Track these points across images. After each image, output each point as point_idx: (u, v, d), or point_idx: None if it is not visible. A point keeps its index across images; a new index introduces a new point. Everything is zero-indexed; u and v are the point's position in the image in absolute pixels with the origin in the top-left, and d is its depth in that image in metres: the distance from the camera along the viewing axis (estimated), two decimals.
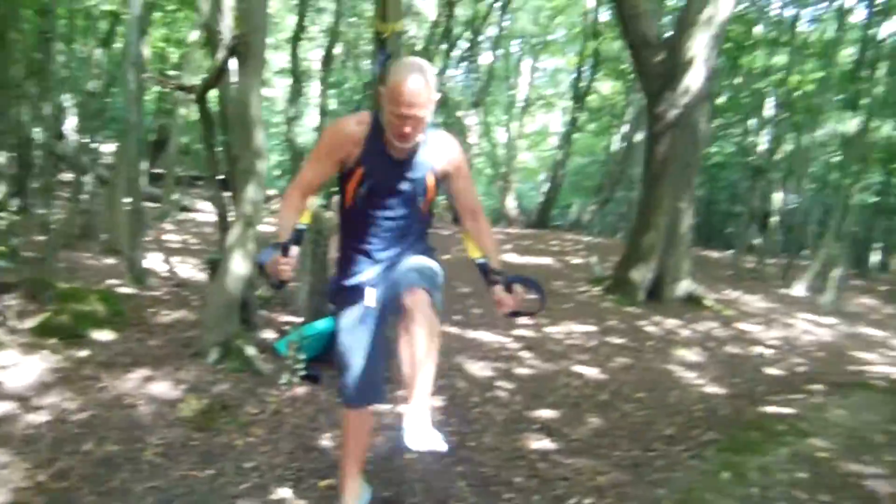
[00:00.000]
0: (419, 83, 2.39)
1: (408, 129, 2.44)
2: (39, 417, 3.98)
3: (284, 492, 3.49)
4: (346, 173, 2.67)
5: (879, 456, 4.16)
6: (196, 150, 22.47)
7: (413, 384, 2.41)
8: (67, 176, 13.94)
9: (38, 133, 11.89)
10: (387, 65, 4.73)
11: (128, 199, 9.42)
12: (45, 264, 7.12)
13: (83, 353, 5.01)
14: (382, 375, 3.00)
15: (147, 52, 11.39)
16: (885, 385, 6.26)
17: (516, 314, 2.83)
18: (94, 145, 13.47)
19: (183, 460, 3.71)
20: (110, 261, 8.75)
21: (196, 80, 17.04)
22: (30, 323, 5.36)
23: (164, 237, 11.63)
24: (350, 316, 2.85)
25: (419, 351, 2.42)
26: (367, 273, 2.80)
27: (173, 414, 4.23)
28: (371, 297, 2.79)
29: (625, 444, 4.44)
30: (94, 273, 7.80)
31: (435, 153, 2.68)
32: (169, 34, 18.10)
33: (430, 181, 2.70)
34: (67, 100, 13.07)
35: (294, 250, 2.56)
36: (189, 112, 16.86)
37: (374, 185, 2.65)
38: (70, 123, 12.68)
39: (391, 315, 2.83)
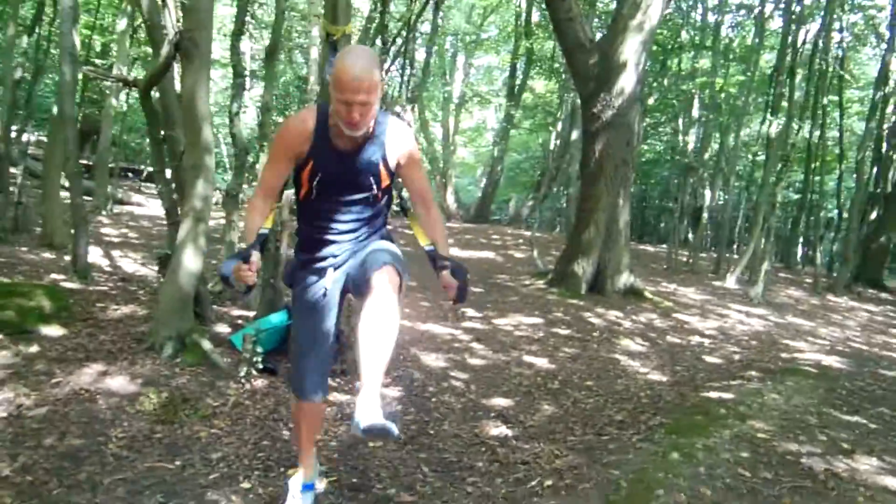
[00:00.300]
0: (364, 68, 2.38)
1: (356, 115, 2.42)
2: None
3: (253, 481, 3.53)
4: (299, 167, 2.67)
5: (814, 436, 4.46)
6: (125, 141, 21.90)
7: (369, 367, 2.37)
8: None
9: None
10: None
11: (65, 192, 9.18)
12: None
13: (33, 349, 4.89)
14: (329, 368, 3.04)
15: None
16: (815, 371, 6.66)
17: (460, 291, 2.82)
18: (21, 137, 13.01)
19: (148, 452, 3.70)
20: (48, 255, 8.51)
21: (135, 73, 16.65)
22: None
23: (101, 231, 11.32)
24: (305, 301, 2.87)
25: (379, 332, 2.38)
26: (327, 256, 2.82)
27: (133, 408, 4.20)
28: (330, 279, 2.82)
29: (578, 430, 4.63)
30: (33, 267, 7.57)
31: (386, 141, 2.67)
32: (92, 21, 17.54)
33: (383, 170, 2.69)
34: None
35: (255, 255, 2.58)
36: (120, 103, 16.44)
37: (325, 177, 2.66)
38: None
39: (353, 297, 2.89)
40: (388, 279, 2.46)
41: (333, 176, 2.65)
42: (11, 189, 9.94)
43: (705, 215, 17.41)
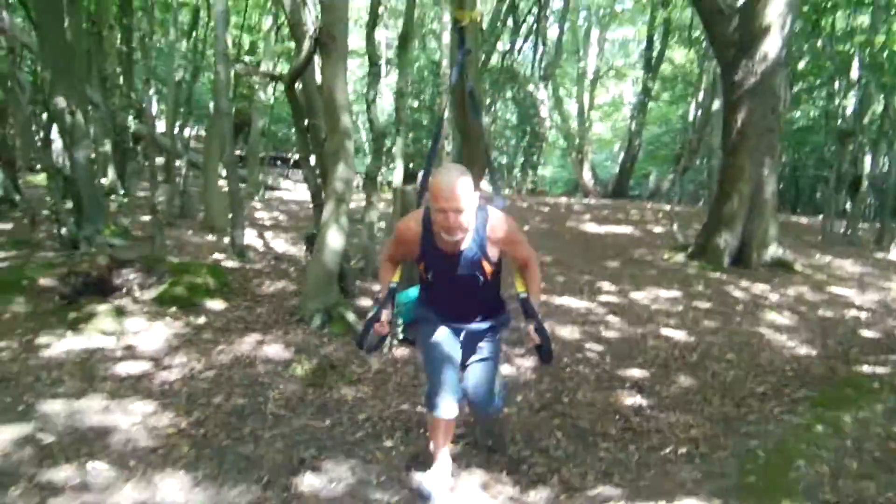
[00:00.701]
0: (455, 181, 2.73)
1: (452, 222, 2.77)
2: (172, 375, 4.41)
3: (395, 440, 3.78)
4: (417, 258, 3.09)
5: None
6: (274, 132, 23.27)
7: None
8: (159, 160, 14.76)
9: (131, 122, 12.65)
10: (465, 61, 4.83)
11: (223, 181, 9.97)
12: (156, 241, 7.64)
13: (200, 320, 5.44)
14: (459, 385, 3.24)
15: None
16: None
17: (538, 351, 3.13)
18: (183, 132, 14.20)
19: (302, 412, 4.05)
20: (210, 237, 9.30)
21: (280, 68, 17.66)
22: (150, 294, 5.83)
23: (255, 215, 12.18)
24: (432, 328, 3.21)
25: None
26: (447, 321, 3.21)
27: (288, 372, 4.60)
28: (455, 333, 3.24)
29: (716, 401, 4.55)
30: (197, 249, 8.33)
31: (485, 236, 2.97)
32: (241, 21, 18.72)
33: (485, 264, 3.02)
34: (154, 89, 13.76)
35: (385, 314, 3.09)
36: (268, 96, 17.49)
37: (436, 273, 3.08)
38: (155, 111, 13.38)
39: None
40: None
41: (443, 272, 3.05)
42: (177, 179, 10.92)
43: (865, 183, 16.10)
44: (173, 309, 5.57)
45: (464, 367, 3.27)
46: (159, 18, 18.02)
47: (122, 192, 10.59)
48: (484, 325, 3.23)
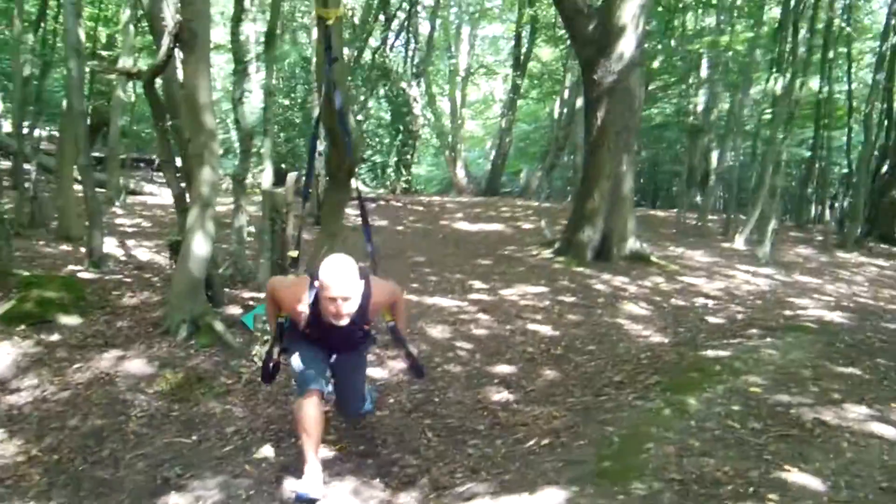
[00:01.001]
0: (343, 275, 3.04)
1: (340, 310, 3.07)
2: (21, 399, 4.15)
3: (266, 451, 3.75)
4: (295, 318, 3.35)
5: (806, 388, 4.59)
6: (136, 132, 22.13)
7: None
8: (4, 164, 13.73)
9: None
10: (333, 71, 4.92)
11: (79, 186, 9.40)
12: (2, 253, 7.10)
13: (54, 338, 5.13)
14: (326, 380, 3.52)
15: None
16: (816, 327, 6.75)
17: (411, 369, 3.74)
18: (32, 132, 13.23)
19: (166, 429, 3.93)
20: (64, 247, 8.75)
21: (141, 63, 16.80)
22: None
23: (116, 221, 11.57)
24: (305, 345, 3.43)
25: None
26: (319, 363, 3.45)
27: (151, 388, 4.43)
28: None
29: (577, 392, 4.81)
30: (50, 260, 7.82)
31: (365, 311, 3.27)
32: (96, 12, 17.71)
33: (366, 327, 3.40)
34: None
35: (276, 351, 3.49)
36: (128, 94, 16.61)
37: (319, 338, 3.36)
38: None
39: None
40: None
41: (325, 338, 3.35)
42: (26, 184, 10.19)
43: (712, 177, 17.37)
44: (22, 327, 5.21)
45: (334, 378, 3.58)
46: (2, 7, 16.67)
47: None
48: (353, 351, 3.58)
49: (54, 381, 4.42)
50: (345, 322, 3.13)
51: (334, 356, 3.51)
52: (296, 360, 3.40)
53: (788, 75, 13.05)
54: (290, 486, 3.32)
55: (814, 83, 17.62)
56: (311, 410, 3.24)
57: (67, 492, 3.21)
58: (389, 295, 3.43)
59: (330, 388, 3.68)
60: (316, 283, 3.14)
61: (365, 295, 3.22)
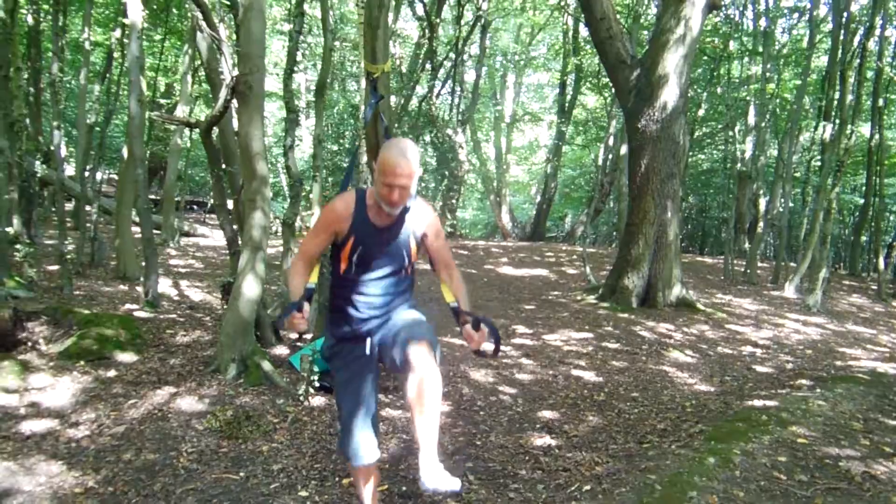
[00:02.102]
0: (403, 158, 2.78)
1: (395, 196, 2.81)
2: (79, 432, 4.31)
3: (310, 489, 3.82)
4: (340, 244, 2.99)
5: (856, 440, 4.50)
6: (190, 175, 22.91)
7: (425, 434, 2.65)
8: (67, 206, 14.30)
9: (38, 166, 12.26)
10: (377, 106, 5.02)
11: (136, 228, 9.78)
12: (64, 292, 7.43)
13: (111, 374, 5.33)
14: (377, 430, 3.16)
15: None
16: (868, 378, 6.58)
17: (480, 352, 3.06)
18: (94, 176, 13.83)
19: (215, 465, 4.04)
20: (122, 287, 9.08)
21: (197, 111, 17.48)
22: (57, 348, 5.68)
23: (170, 262, 11.94)
24: (346, 371, 3.09)
25: (428, 405, 2.65)
26: (363, 327, 3.06)
27: (202, 425, 4.56)
28: (368, 346, 3.06)
29: (620, 439, 4.78)
30: (108, 299, 8.12)
31: (415, 221, 3.03)
32: (156, 63, 18.54)
33: (413, 245, 3.04)
34: (62, 133, 13.40)
35: (305, 306, 2.85)
36: (184, 140, 17.28)
37: (364, 252, 2.97)
38: (63, 154, 13.00)
39: (390, 369, 3.17)
40: (426, 352, 2.72)
41: (372, 248, 2.98)
42: (87, 226, 10.64)
43: (761, 224, 17.15)
44: (81, 363, 5.44)
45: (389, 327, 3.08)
46: (70, 59, 17.61)
47: (27, 240, 10.24)
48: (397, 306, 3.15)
49: (110, 415, 4.59)
50: (397, 209, 2.86)
51: (378, 337, 3.06)
52: (340, 402, 3.12)
53: (837, 122, 12.92)
54: None
55: (865, 130, 17.40)
56: (364, 478, 3.17)
57: None
58: (437, 222, 3.13)
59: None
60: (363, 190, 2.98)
61: (411, 205, 2.99)
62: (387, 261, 3.01)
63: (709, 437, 4.49)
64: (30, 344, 5.67)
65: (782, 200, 17.15)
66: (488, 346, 3.05)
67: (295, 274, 3.04)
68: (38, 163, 12.83)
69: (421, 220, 3.05)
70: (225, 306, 6.53)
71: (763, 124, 17.68)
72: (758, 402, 5.43)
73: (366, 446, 3.02)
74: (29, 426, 4.34)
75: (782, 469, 3.86)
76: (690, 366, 7.04)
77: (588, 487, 3.86)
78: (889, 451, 4.26)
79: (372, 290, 3.03)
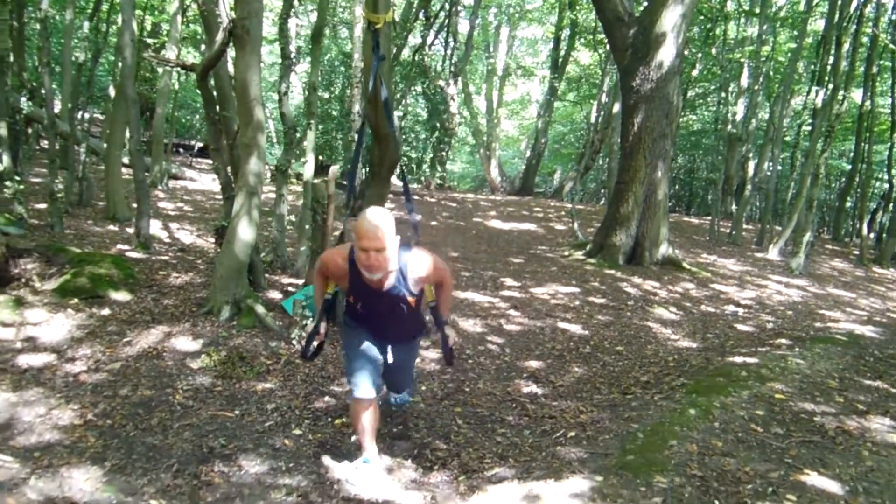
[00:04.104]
0: (376, 224, 3.00)
1: (372, 260, 3.03)
2: (76, 367, 4.39)
3: (304, 428, 3.94)
4: (346, 290, 3.39)
5: (831, 397, 4.66)
6: (178, 118, 22.59)
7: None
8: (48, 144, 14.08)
9: (24, 103, 12.06)
10: (380, 68, 5.00)
11: (126, 169, 9.71)
12: (54, 230, 7.42)
13: (105, 312, 5.39)
14: (378, 377, 3.53)
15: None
16: (846, 339, 6.76)
17: (444, 353, 3.59)
18: (83, 116, 13.64)
19: (210, 403, 4.14)
20: (111, 227, 9.07)
21: (185, 53, 17.17)
22: (50, 285, 5.71)
23: (159, 205, 11.90)
24: (359, 340, 3.47)
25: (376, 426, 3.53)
26: (378, 335, 3.52)
27: (196, 364, 4.65)
28: (388, 353, 3.57)
29: (605, 389, 4.93)
30: (99, 239, 8.12)
31: (408, 274, 3.28)
32: (145, 1, 18.12)
33: (409, 297, 3.33)
34: (49, 71, 13.16)
35: (323, 327, 3.46)
36: (172, 81, 17.01)
37: (365, 304, 3.36)
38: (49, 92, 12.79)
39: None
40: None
41: (371, 302, 3.35)
42: (76, 165, 10.55)
43: (749, 187, 17.28)
44: (75, 300, 5.49)
45: (385, 364, 3.57)
46: None
47: (16, 178, 10.15)
48: (406, 340, 3.63)
49: (106, 352, 4.67)
50: (377, 276, 3.11)
51: (391, 349, 3.56)
52: (351, 359, 3.47)
53: (830, 88, 12.94)
54: (338, 466, 3.51)
55: (857, 95, 17.42)
56: (367, 414, 3.43)
57: (120, 455, 3.41)
58: (433, 267, 3.37)
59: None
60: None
61: (405, 261, 3.25)
62: (386, 311, 3.38)
63: (690, 391, 4.64)
64: (23, 280, 5.70)
65: (770, 164, 17.25)
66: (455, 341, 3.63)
67: (317, 285, 3.51)
68: (23, 99, 12.61)
69: (413, 274, 3.30)
70: (218, 249, 6.57)
71: (756, 87, 17.64)
72: (738, 359, 5.58)
73: (366, 382, 3.39)
74: (26, 360, 4.41)
75: (759, 422, 4.01)
76: (674, 322, 7.19)
77: (573, 434, 4.00)
78: (862, 409, 4.42)
79: (379, 324, 3.46)
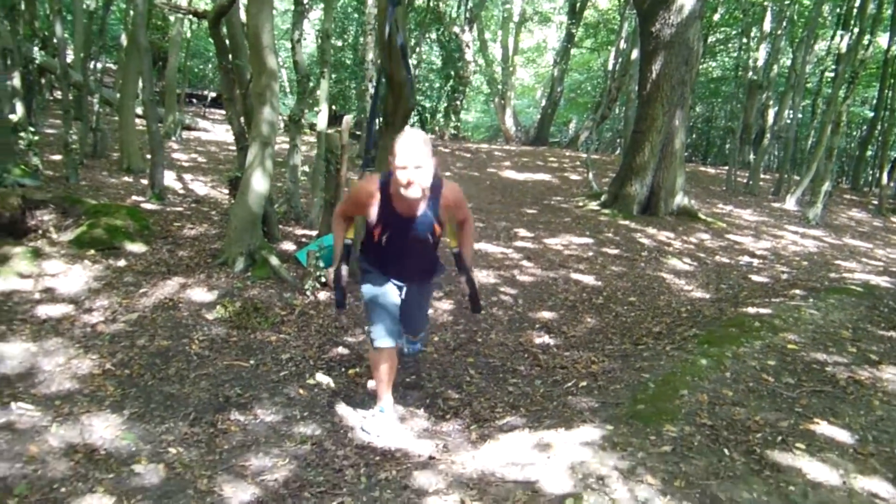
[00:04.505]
0: (415, 142, 3.02)
1: (410, 179, 3.01)
2: (93, 318, 4.46)
3: (319, 378, 4.00)
4: (370, 223, 3.32)
5: (843, 347, 4.65)
6: (189, 67, 22.41)
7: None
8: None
9: (37, 53, 12.00)
10: (396, 13, 4.93)
11: (139, 120, 9.69)
12: (70, 182, 7.46)
13: (121, 263, 5.45)
14: (397, 328, 3.55)
15: None
16: (861, 290, 6.72)
17: (469, 300, 3.60)
18: (95, 66, 13.56)
19: (226, 353, 4.20)
20: (126, 179, 9.11)
21: (196, 4, 16.94)
22: (66, 236, 5.76)
23: (173, 156, 11.91)
24: (378, 286, 3.48)
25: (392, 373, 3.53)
26: (395, 277, 3.52)
27: (211, 315, 4.71)
28: (402, 292, 3.56)
29: (617, 340, 4.95)
30: (114, 190, 8.17)
31: (437, 206, 3.27)
32: None
33: (436, 225, 3.31)
34: (61, 20, 13.05)
35: (344, 270, 3.47)
36: (184, 30, 16.85)
37: (392, 234, 3.33)
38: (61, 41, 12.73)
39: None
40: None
41: (398, 233, 3.32)
42: (90, 116, 10.54)
43: (768, 135, 16.98)
44: (92, 251, 5.54)
45: (401, 304, 3.55)
46: None
47: (31, 129, 10.16)
48: (423, 281, 3.63)
49: (123, 303, 4.73)
50: (415, 195, 3.08)
51: (405, 289, 3.56)
52: (370, 308, 3.49)
53: (855, 32, 12.59)
54: (353, 415, 3.59)
55: (882, 40, 16.95)
56: (386, 363, 3.47)
57: (139, 403, 3.49)
58: (460, 197, 3.37)
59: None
60: (388, 174, 3.18)
61: (436, 188, 3.23)
62: (413, 239, 3.33)
63: (702, 341, 4.64)
64: (40, 232, 5.75)
65: (791, 112, 16.92)
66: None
67: (336, 228, 3.50)
68: (36, 49, 12.55)
69: (444, 205, 3.28)
70: (232, 201, 6.59)
71: (779, 32, 17.18)
72: (751, 310, 5.57)
73: (386, 332, 3.43)
74: (45, 310, 4.48)
75: (770, 372, 4.02)
76: (688, 273, 7.17)
77: (584, 384, 4.03)
78: (874, 359, 4.41)
79: (401, 258, 3.44)
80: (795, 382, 3.88)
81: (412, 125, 5.58)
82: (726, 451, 3.00)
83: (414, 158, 2.99)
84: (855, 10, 13.26)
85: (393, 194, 3.17)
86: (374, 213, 3.27)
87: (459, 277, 3.52)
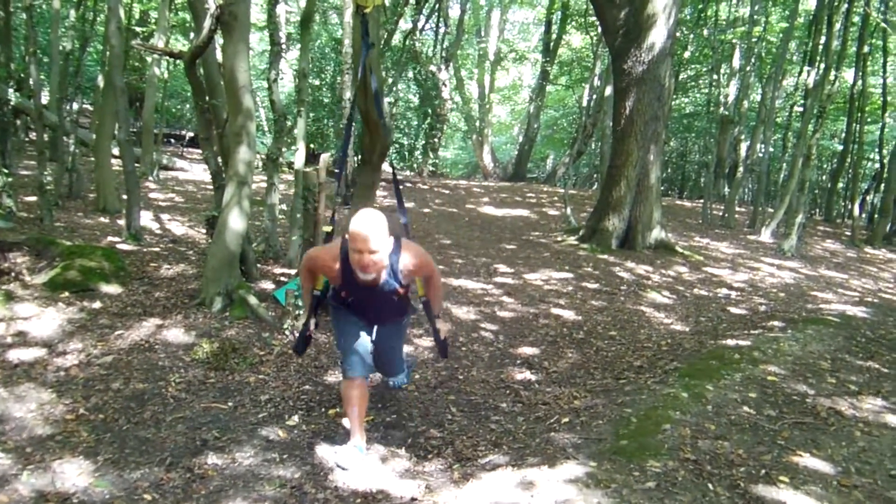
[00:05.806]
0: (369, 227, 3.04)
1: (366, 262, 3.09)
2: (67, 361, 4.37)
3: (298, 418, 3.93)
4: (335, 284, 3.43)
5: (823, 378, 4.68)
6: (167, 107, 22.43)
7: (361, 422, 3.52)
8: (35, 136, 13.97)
9: (11, 94, 11.95)
10: (369, 56, 5.01)
11: (115, 160, 9.64)
12: (44, 223, 7.36)
13: (96, 305, 5.36)
14: (367, 360, 3.58)
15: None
16: (838, 320, 6.78)
17: (437, 347, 3.80)
18: (71, 106, 13.52)
19: (203, 395, 4.13)
20: (102, 219, 9.02)
21: (174, 41, 17.02)
22: (40, 278, 5.67)
23: (150, 196, 11.83)
24: (347, 324, 3.56)
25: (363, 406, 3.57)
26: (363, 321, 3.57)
27: (188, 356, 4.63)
28: (373, 333, 3.59)
29: (598, 374, 4.94)
30: (89, 231, 8.08)
31: (399, 268, 3.32)
32: None
33: (399, 289, 3.39)
34: (36, 61, 13.04)
35: (312, 323, 3.61)
36: (162, 70, 16.88)
37: (355, 297, 3.44)
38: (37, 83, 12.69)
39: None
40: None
41: (363, 295, 3.40)
42: (65, 157, 10.46)
43: (741, 169, 17.27)
44: (66, 294, 5.45)
45: (374, 346, 3.60)
46: None
47: (4, 170, 10.07)
48: (392, 321, 3.66)
49: (97, 345, 4.64)
50: (371, 277, 3.18)
51: (376, 328, 3.58)
52: (340, 340, 3.55)
53: (821, 68, 12.92)
54: (330, 454, 3.52)
55: (848, 75, 17.40)
56: (356, 392, 3.48)
57: (113, 448, 3.40)
58: (422, 262, 3.42)
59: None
60: (347, 238, 3.20)
61: (395, 255, 3.28)
62: (377, 303, 3.45)
63: (683, 374, 4.65)
64: (13, 274, 5.66)
65: (762, 146, 17.24)
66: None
67: (304, 281, 3.57)
68: (11, 90, 12.50)
69: (404, 268, 3.34)
70: (210, 240, 6.53)
71: (748, 68, 17.60)
72: (731, 342, 5.60)
73: (356, 363, 3.49)
74: (17, 354, 4.38)
75: (752, 404, 4.02)
76: (667, 306, 7.20)
77: (566, 420, 4.00)
78: (854, 389, 4.44)
79: (369, 311, 3.52)
80: (777, 414, 3.89)
81: (390, 162, 5.62)
82: (710, 485, 2.98)
83: (368, 244, 3.04)
84: (820, 47, 13.61)
85: (353, 266, 3.20)
86: (337, 277, 3.35)
87: (429, 327, 3.66)
